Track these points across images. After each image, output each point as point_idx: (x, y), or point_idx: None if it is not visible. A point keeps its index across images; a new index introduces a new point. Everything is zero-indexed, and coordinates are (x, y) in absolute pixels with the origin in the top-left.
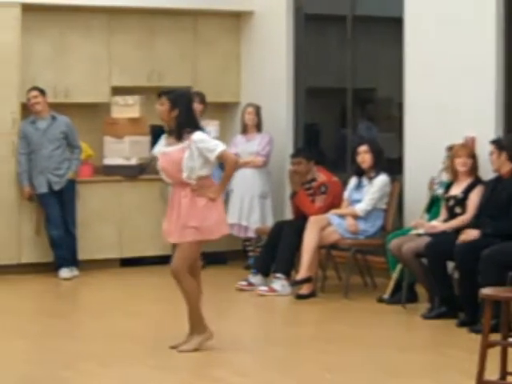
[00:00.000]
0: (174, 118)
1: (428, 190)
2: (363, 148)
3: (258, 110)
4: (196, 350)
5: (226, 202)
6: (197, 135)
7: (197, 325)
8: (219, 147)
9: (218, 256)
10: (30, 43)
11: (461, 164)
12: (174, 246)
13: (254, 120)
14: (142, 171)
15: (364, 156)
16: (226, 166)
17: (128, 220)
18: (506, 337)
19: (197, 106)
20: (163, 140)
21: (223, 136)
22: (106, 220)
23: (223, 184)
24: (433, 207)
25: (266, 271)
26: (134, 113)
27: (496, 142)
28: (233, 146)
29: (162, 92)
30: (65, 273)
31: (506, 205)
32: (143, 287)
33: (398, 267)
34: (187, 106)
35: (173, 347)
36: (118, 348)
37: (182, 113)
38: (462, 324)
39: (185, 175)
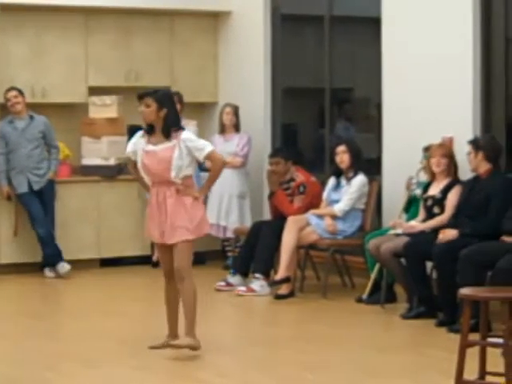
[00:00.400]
0: (162, 118)
1: (406, 190)
2: (341, 148)
3: (236, 110)
4: (188, 347)
5: (205, 202)
6: (185, 134)
7: (192, 327)
8: (208, 147)
9: (196, 256)
10: (6, 44)
11: (435, 164)
12: (153, 245)
13: (232, 120)
14: (121, 171)
15: (342, 156)
16: (212, 166)
17: (107, 220)
18: (485, 337)
19: None
20: (138, 139)
21: (201, 136)
22: (84, 220)
23: (209, 184)
24: (411, 207)
25: (244, 271)
26: (112, 113)
27: (473, 142)
28: None
29: (144, 94)
30: (62, 268)
31: (483, 205)
32: (123, 287)
33: (377, 267)
34: (173, 105)
35: (152, 347)
36: (100, 348)
37: (170, 112)
38: (440, 324)
39: (173, 174)
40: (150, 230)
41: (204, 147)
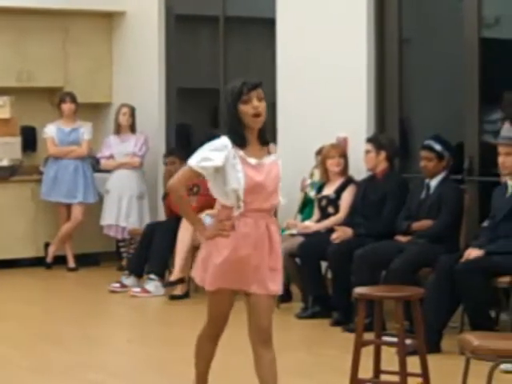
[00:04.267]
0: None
1: (300, 191)
2: None
3: (132, 111)
4: None
5: (101, 203)
6: (273, 145)
7: None
8: None
9: (90, 257)
10: None
11: (334, 164)
12: (47, 247)
13: (128, 121)
14: (14, 172)
15: None
16: None
17: (0, 221)
18: (380, 335)
19: (69, 106)
20: (230, 150)
21: (96, 137)
22: None
23: None
24: (306, 208)
25: (139, 272)
26: (5, 114)
27: (374, 141)
28: (107, 147)
29: (256, 83)
30: None
31: (378, 205)
32: (17, 289)
33: None
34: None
35: None
36: None
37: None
38: (335, 323)
39: (280, 197)
40: (224, 275)
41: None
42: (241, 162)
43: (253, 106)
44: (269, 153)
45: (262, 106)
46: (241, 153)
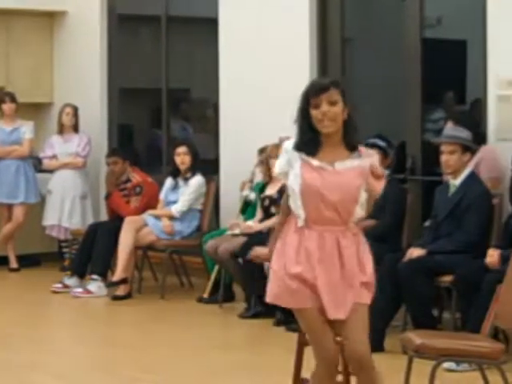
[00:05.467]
0: (345, 121)
1: (241, 192)
2: (182, 149)
3: (75, 111)
4: None
5: (44, 203)
6: (373, 158)
7: None
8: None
9: (32, 258)
10: None
11: None
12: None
13: (72, 121)
14: None
15: (184, 157)
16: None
17: None
18: None
19: (9, 106)
20: (292, 153)
21: (38, 137)
22: None
23: None
24: (247, 208)
25: (81, 273)
26: None
27: None
28: (50, 147)
29: (329, 83)
30: None
31: None
32: None
33: (216, 267)
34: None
35: None
36: None
37: (352, 111)
38: (278, 323)
39: (358, 210)
40: (302, 298)
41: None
42: (301, 165)
43: (321, 112)
44: (358, 157)
45: (332, 111)
46: (303, 155)
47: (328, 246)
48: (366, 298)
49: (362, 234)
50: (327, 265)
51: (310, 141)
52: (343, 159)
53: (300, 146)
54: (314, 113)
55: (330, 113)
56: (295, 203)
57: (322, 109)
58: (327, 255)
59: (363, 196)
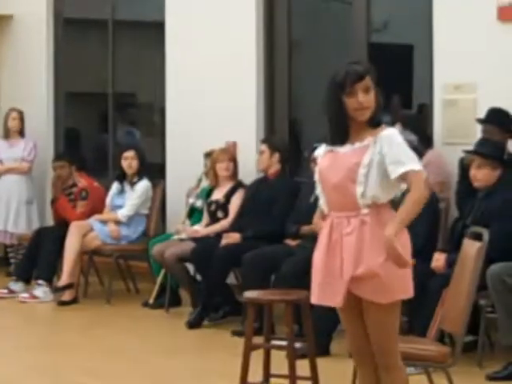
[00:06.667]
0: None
1: (187, 198)
2: (130, 154)
3: (22, 115)
4: None
5: None
6: (390, 131)
7: None
8: (412, 163)
9: None
10: None
11: (224, 168)
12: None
13: (18, 125)
14: None
15: (131, 162)
16: (411, 193)
17: None
18: (269, 339)
19: None
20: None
21: None
22: None
23: (405, 217)
24: (194, 213)
25: (27, 278)
26: None
27: (269, 142)
28: None
29: (363, 74)
30: None
31: (269, 205)
32: None
33: (162, 272)
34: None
35: None
36: None
37: (378, 94)
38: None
39: (359, 191)
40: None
41: (406, 161)
42: (324, 153)
43: (357, 101)
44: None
45: (367, 100)
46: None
47: (335, 233)
48: (371, 294)
49: (383, 225)
50: (331, 251)
51: (342, 133)
52: (358, 140)
53: (334, 139)
54: (349, 101)
55: (366, 101)
56: (319, 191)
57: (358, 98)
58: (333, 242)
59: (366, 172)
